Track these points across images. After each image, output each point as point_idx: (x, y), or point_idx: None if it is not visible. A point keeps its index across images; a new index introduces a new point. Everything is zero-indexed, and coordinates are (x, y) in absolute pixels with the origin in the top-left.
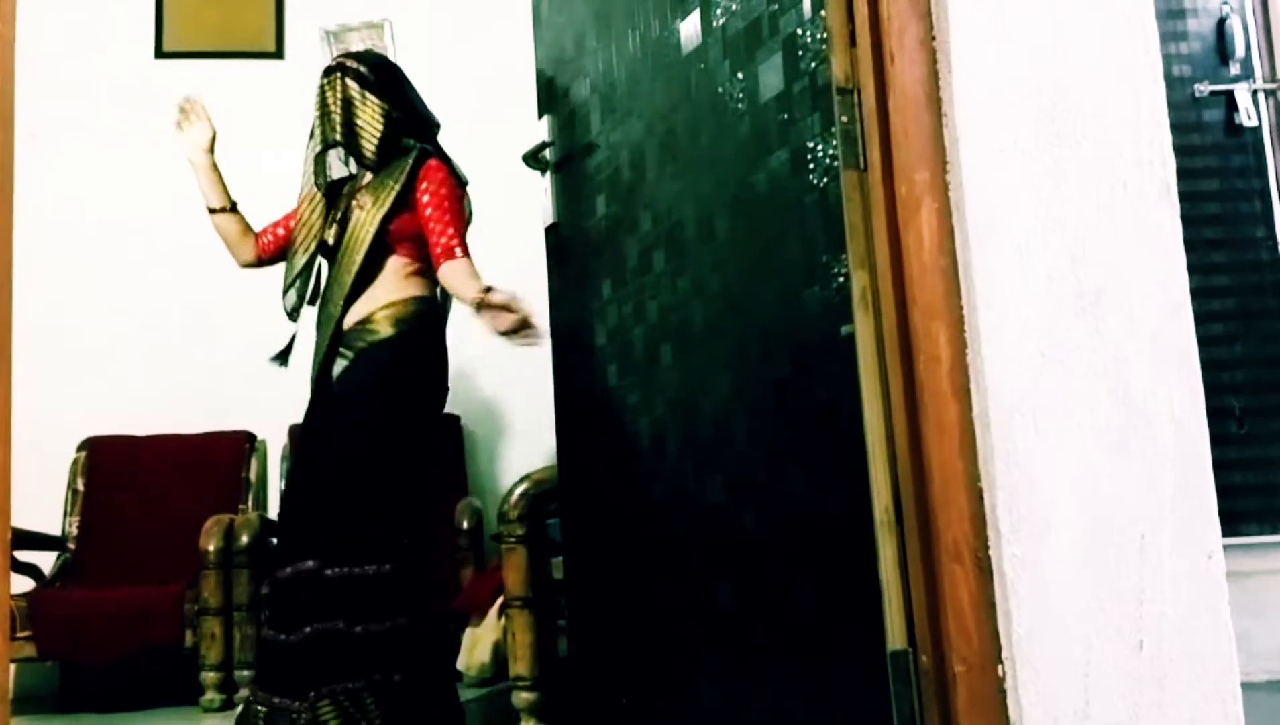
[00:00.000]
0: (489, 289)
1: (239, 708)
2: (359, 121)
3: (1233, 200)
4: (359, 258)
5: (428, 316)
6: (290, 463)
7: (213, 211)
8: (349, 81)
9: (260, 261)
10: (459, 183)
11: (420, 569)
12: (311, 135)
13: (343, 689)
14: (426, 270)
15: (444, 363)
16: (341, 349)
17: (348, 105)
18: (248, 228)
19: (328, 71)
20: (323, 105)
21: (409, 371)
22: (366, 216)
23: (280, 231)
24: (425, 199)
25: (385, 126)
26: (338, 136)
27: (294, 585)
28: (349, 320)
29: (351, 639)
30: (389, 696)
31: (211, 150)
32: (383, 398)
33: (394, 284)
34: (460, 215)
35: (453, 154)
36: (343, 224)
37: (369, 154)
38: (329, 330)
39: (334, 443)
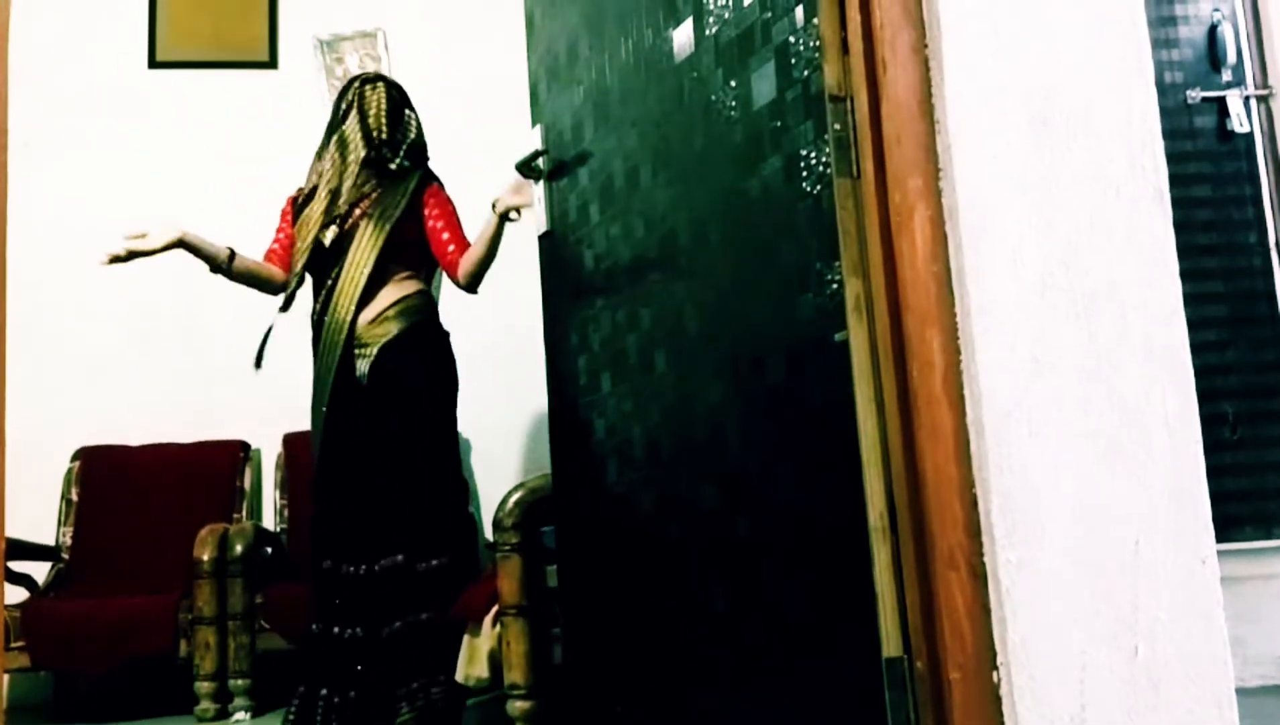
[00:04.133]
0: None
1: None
2: (408, 125)
3: (1225, 206)
4: (371, 262)
5: (428, 308)
6: (321, 461)
7: (222, 269)
8: (390, 90)
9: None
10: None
11: (470, 558)
12: (334, 135)
13: (431, 683)
14: (421, 272)
15: (449, 344)
16: (357, 349)
17: (394, 109)
18: (258, 262)
19: (366, 80)
20: (362, 106)
21: (430, 355)
22: (376, 227)
23: (283, 237)
24: (436, 222)
25: (417, 137)
26: (384, 135)
27: (378, 581)
28: (362, 320)
29: (436, 632)
30: (454, 694)
31: (177, 242)
32: (424, 381)
33: (397, 285)
34: (462, 228)
35: (446, 162)
36: (343, 228)
37: (397, 156)
38: (341, 332)
39: (387, 436)
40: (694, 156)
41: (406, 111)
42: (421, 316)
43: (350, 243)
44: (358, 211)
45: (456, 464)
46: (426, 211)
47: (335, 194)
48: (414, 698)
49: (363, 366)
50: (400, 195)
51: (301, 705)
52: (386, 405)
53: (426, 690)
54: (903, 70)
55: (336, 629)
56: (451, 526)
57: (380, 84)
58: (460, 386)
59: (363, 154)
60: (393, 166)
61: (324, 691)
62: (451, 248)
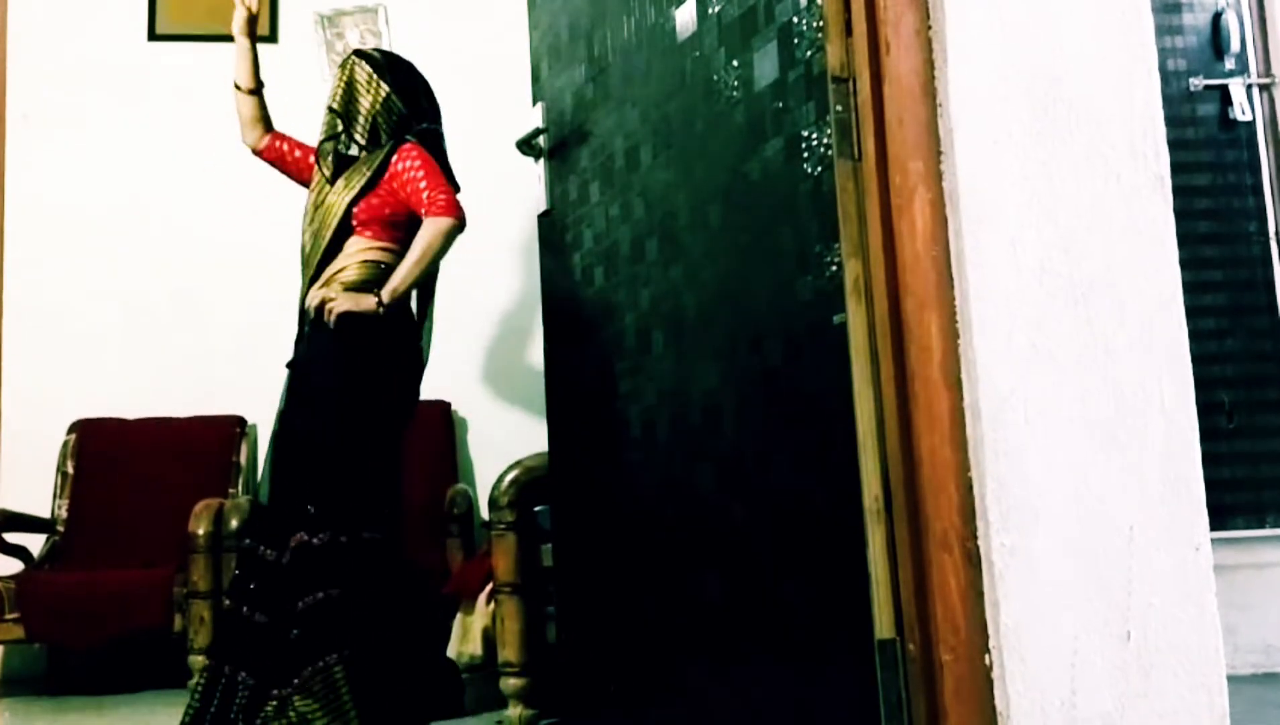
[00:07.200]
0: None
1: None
2: (360, 100)
3: (1225, 195)
4: (326, 238)
5: (380, 282)
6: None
7: (237, 89)
8: (362, 63)
9: (257, 153)
10: (439, 158)
11: (365, 541)
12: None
13: (322, 664)
14: (390, 247)
15: (403, 325)
16: (306, 328)
17: (352, 84)
18: (264, 118)
19: (348, 57)
20: (335, 84)
21: (358, 339)
22: (337, 199)
23: (297, 154)
24: (405, 173)
25: (382, 108)
26: (336, 107)
27: (286, 564)
28: (311, 300)
29: (334, 608)
30: (351, 673)
31: (247, 30)
32: (334, 370)
33: (352, 262)
34: (443, 174)
35: (447, 138)
36: (317, 206)
37: (359, 131)
38: (300, 312)
39: (298, 422)
40: (695, 137)
41: (373, 86)
42: (360, 290)
43: (317, 217)
44: (331, 187)
45: (371, 446)
46: (391, 174)
47: (319, 164)
48: (309, 681)
49: (300, 344)
50: (368, 165)
51: (208, 681)
52: (300, 386)
53: (327, 669)
54: (906, 52)
55: (245, 610)
56: (348, 503)
57: (353, 59)
58: (423, 365)
59: (336, 130)
60: (351, 150)
61: (228, 669)
62: (428, 200)
